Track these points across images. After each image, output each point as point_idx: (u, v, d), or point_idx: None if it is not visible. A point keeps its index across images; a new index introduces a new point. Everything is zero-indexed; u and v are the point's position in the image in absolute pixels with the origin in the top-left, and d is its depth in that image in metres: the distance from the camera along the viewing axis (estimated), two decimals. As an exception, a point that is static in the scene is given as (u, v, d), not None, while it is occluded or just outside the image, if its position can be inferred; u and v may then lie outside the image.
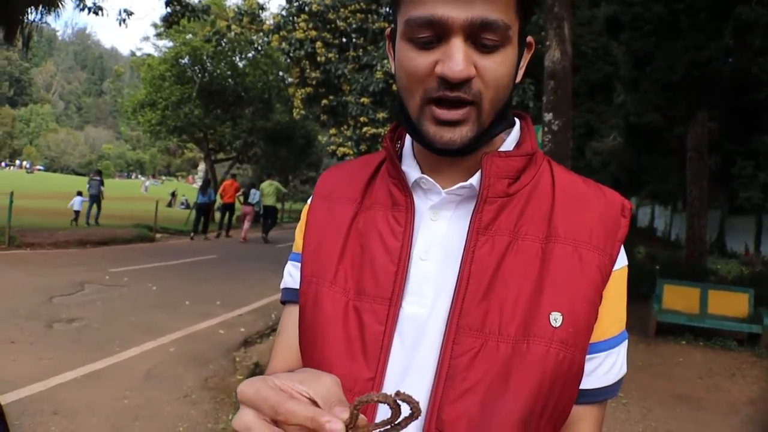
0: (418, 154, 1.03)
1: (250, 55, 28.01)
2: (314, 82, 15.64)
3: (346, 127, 15.40)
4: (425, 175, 0.99)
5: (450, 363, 0.87)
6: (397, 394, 0.58)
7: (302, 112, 16.97)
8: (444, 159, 0.98)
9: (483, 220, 0.93)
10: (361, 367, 0.92)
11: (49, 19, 19.72)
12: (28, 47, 20.11)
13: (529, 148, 0.99)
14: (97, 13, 16.99)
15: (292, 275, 1.11)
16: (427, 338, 0.91)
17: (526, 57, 0.99)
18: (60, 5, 18.60)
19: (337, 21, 14.78)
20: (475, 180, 0.96)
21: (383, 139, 1.05)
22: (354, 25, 14.63)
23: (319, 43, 14.75)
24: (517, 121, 1.06)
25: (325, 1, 15.05)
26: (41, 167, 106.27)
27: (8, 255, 12.91)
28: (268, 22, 16.84)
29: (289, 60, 16.30)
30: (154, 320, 8.33)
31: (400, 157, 1.06)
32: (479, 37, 0.85)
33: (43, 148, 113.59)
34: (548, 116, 8.17)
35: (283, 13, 15.96)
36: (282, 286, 1.14)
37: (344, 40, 15.16)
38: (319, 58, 14.89)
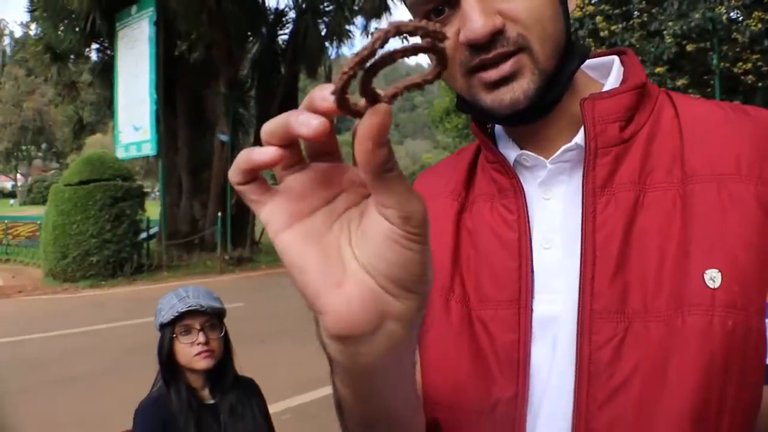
0: (511, 130, 0.91)
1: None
2: (602, 60, 14.53)
3: (645, 101, 13.97)
4: (525, 151, 0.88)
5: (590, 358, 0.75)
6: None
7: (595, 93, 15.78)
8: (537, 126, 0.85)
9: (598, 176, 0.80)
10: (499, 385, 0.80)
11: (344, 50, 21.31)
12: (331, 78, 21.94)
13: (637, 80, 0.84)
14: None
15: None
16: (562, 337, 0.78)
17: None
18: (349, 36, 19.99)
19: (614, -12, 13.44)
20: (580, 137, 0.83)
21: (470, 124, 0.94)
22: (632, -12, 13.20)
23: (599, 18, 13.51)
24: (615, 57, 0.92)
25: (597, -29, 13.79)
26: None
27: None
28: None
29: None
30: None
31: (494, 140, 0.93)
32: None
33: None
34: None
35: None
36: None
37: (625, 8, 13.74)
38: (602, 33, 13.70)
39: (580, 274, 0.78)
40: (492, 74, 0.78)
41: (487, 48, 0.76)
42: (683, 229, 0.75)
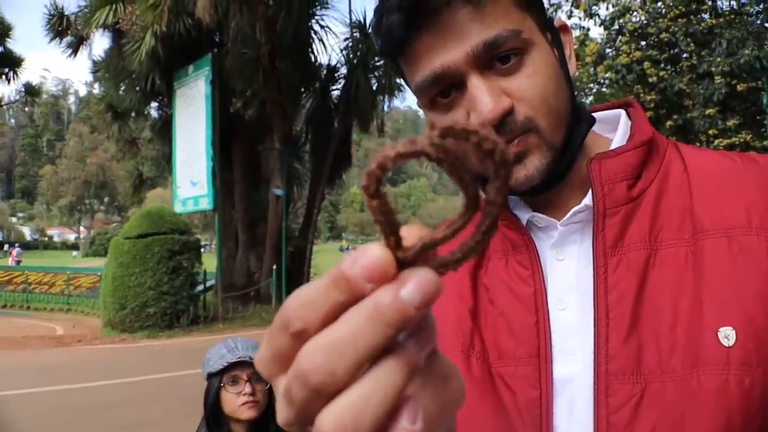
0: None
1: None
2: (652, 105, 14.33)
3: (698, 144, 13.71)
4: (536, 213, 0.88)
5: (608, 421, 0.74)
6: None
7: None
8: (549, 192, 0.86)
9: (608, 237, 0.80)
10: None
11: (396, 103, 21.56)
12: (383, 131, 22.19)
13: (644, 136, 0.84)
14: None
15: None
16: (578, 398, 0.78)
17: (567, 41, 0.88)
18: (400, 90, 20.28)
19: (659, 34, 13.37)
20: (589, 198, 0.82)
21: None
22: (678, 33, 13.10)
23: (647, 63, 13.44)
24: (622, 111, 0.93)
25: (641, 17, 13.73)
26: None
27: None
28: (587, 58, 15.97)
29: (611, 89, 15.19)
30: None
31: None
32: (492, 61, 0.77)
33: (425, 217, 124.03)
34: None
35: (602, 39, 14.97)
36: None
37: (672, 51, 13.66)
38: (650, 79, 13.64)
39: (594, 336, 0.78)
40: None
41: (497, 129, 0.76)
42: (695, 286, 0.74)
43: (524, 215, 0.89)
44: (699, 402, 0.69)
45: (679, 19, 13.06)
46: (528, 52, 0.78)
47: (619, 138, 0.88)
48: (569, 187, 0.87)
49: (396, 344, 0.33)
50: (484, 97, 0.76)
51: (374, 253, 0.32)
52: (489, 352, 0.86)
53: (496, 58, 0.77)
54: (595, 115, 0.93)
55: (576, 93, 0.89)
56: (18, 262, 32.98)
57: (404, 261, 0.33)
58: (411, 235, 0.34)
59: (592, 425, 0.75)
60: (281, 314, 0.34)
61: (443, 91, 0.81)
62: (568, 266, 0.85)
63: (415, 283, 0.32)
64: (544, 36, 0.82)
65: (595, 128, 0.91)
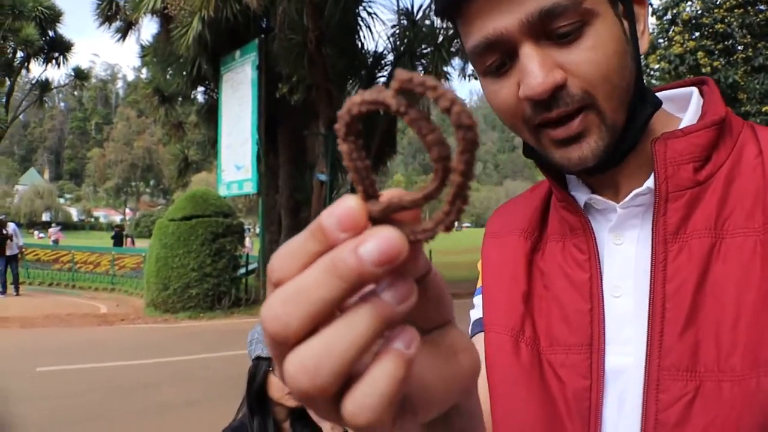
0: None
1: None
2: (705, 98, 14.03)
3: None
4: (594, 195, 0.84)
5: (656, 419, 0.70)
6: None
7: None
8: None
9: (669, 222, 0.75)
10: None
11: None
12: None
13: (715, 115, 0.77)
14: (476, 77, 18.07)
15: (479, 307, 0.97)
16: (630, 392, 0.75)
17: (641, 14, 0.81)
18: (447, 78, 20.17)
19: (714, 24, 13.03)
20: (651, 180, 0.78)
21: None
22: (734, 24, 12.73)
23: (700, 53, 13.13)
24: (695, 89, 0.86)
25: (696, 7, 13.41)
26: (468, 224, 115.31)
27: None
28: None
29: (662, 80, 14.87)
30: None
31: (564, 180, 0.89)
32: (549, 30, 0.71)
33: (470, 207, 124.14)
34: None
35: (654, 29, 14.66)
36: (474, 318, 0.98)
37: (727, 42, 13.30)
38: (703, 70, 13.28)
39: (648, 327, 0.74)
40: (559, 133, 0.74)
41: (548, 104, 0.73)
42: (763, 279, 0.69)
43: (582, 197, 0.85)
44: (757, 405, 0.65)
45: (736, 10, 12.73)
46: (590, 23, 0.72)
47: (689, 117, 0.82)
48: (631, 167, 0.82)
49: (370, 294, 0.33)
50: (534, 69, 0.71)
51: (348, 203, 0.33)
52: (540, 339, 0.83)
53: (550, 29, 0.72)
54: (666, 93, 0.87)
55: None
56: (55, 242, 33.19)
57: (377, 218, 0.33)
58: (389, 195, 0.34)
59: (640, 421, 0.72)
60: (269, 265, 0.34)
61: (498, 59, 0.76)
62: (626, 251, 0.81)
63: (375, 241, 0.31)
64: (613, 7, 0.75)
65: (665, 106, 0.84)
